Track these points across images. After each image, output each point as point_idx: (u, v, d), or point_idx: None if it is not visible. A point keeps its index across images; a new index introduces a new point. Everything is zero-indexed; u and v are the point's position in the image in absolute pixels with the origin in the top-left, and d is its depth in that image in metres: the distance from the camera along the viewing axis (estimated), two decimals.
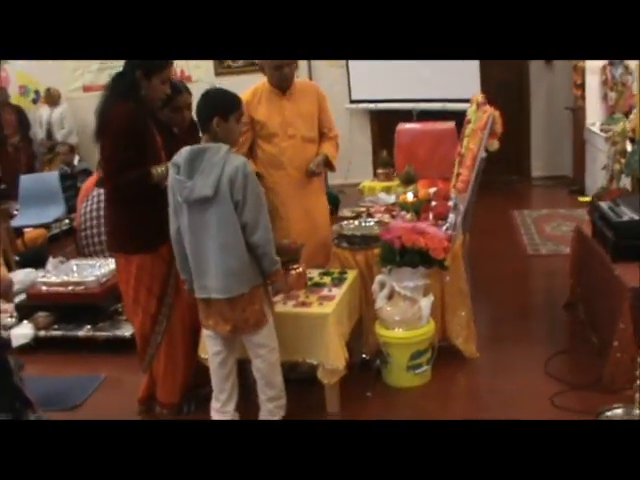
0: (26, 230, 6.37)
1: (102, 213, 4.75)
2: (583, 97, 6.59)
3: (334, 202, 5.96)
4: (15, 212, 6.58)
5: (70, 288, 4.36)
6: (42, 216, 6.48)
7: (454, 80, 6.73)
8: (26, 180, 6.84)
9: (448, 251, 3.33)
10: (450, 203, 3.70)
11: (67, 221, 6.70)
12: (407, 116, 6.93)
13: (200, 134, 2.80)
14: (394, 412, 3.23)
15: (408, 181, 4.68)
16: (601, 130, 5.82)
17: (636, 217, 3.23)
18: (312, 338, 3.08)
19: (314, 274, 3.47)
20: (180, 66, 8.17)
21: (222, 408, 2.90)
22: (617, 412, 2.73)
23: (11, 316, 4.43)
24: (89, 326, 4.27)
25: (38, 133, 8.49)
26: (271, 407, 2.90)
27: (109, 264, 4.40)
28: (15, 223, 6.35)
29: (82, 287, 4.34)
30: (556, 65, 7.53)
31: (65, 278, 4.43)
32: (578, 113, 6.85)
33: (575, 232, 4.11)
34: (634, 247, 3.14)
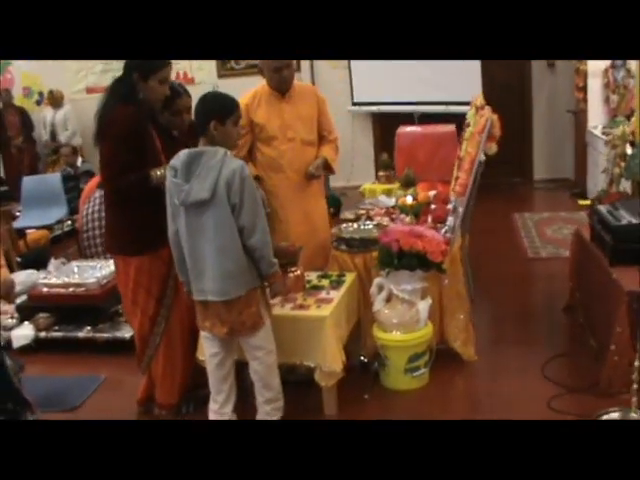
0: (28, 231, 6.39)
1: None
2: (585, 100, 6.58)
3: (336, 204, 5.99)
4: (18, 213, 6.60)
5: (71, 289, 4.38)
6: (44, 217, 6.49)
7: (456, 83, 6.72)
8: (29, 181, 6.85)
9: (446, 254, 3.33)
10: (449, 206, 3.71)
11: (69, 222, 6.72)
12: (409, 119, 6.96)
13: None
14: (392, 415, 3.22)
15: (407, 184, 4.69)
16: (603, 133, 5.80)
17: (635, 221, 3.22)
18: (310, 341, 3.09)
19: (312, 277, 3.48)
20: (183, 68, 8.22)
21: (220, 410, 2.90)
22: (614, 416, 2.72)
23: (12, 317, 4.46)
24: (89, 327, 4.29)
25: (42, 135, 8.51)
26: (268, 409, 2.91)
27: (110, 266, 4.40)
28: (17, 224, 6.37)
29: (83, 289, 4.36)
30: (558, 67, 7.54)
31: (66, 279, 4.44)
32: (580, 116, 6.84)
33: (574, 235, 4.11)
34: (632, 251, 3.15)
